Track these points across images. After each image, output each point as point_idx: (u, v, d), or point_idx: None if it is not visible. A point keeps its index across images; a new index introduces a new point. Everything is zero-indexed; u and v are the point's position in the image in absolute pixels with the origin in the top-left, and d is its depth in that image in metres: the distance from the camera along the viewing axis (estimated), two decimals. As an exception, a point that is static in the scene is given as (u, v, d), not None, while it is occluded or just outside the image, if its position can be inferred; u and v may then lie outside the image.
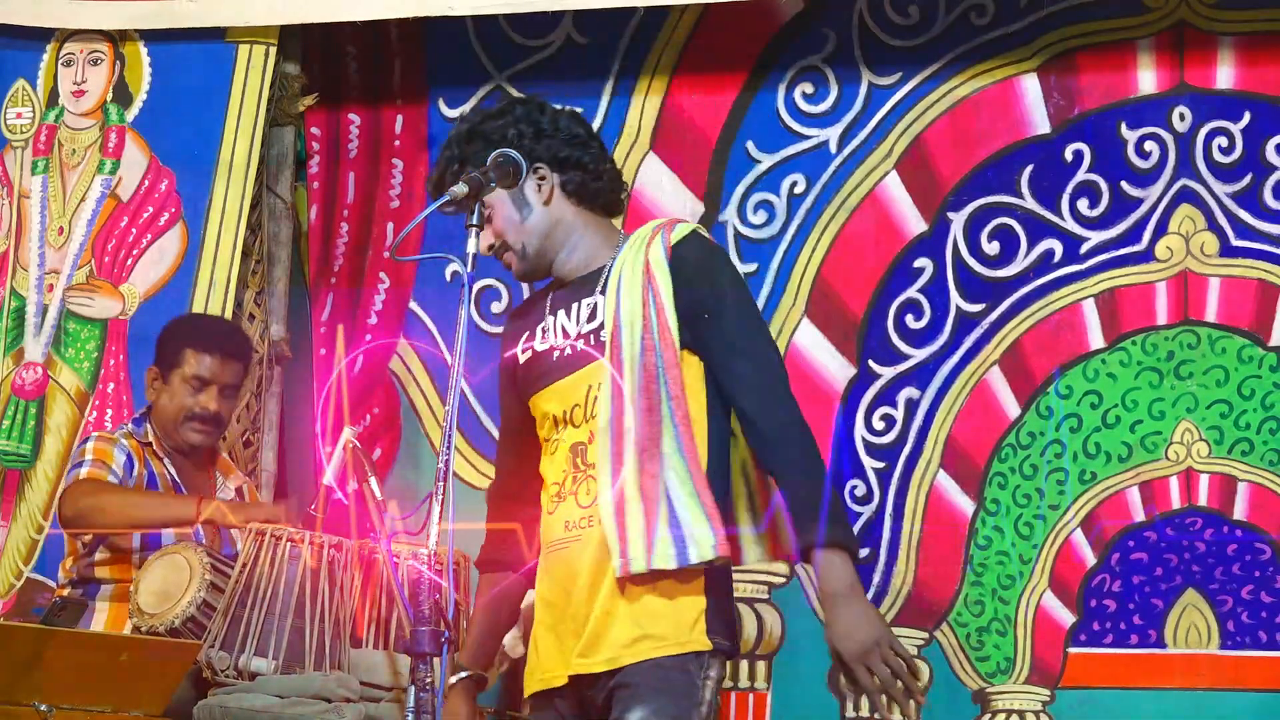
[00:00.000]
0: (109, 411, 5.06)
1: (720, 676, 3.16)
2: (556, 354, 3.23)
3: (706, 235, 3.25)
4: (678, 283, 3.15)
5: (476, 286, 5.24)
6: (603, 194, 3.29)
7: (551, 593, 3.22)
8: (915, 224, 5.07)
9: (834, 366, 5.06)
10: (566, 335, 3.23)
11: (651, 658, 3.09)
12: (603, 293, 3.21)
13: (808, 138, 5.17)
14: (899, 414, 5.02)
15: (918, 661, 4.93)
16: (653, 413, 3.11)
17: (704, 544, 3.09)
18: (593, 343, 3.19)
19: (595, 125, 5.26)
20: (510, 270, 3.31)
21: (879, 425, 5.04)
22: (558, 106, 3.35)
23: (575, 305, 3.25)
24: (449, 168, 3.29)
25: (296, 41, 5.38)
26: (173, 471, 4.55)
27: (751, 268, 5.14)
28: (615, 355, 3.13)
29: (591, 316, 3.21)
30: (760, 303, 5.10)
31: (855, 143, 5.13)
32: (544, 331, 3.27)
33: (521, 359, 3.30)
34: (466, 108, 5.42)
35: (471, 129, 3.29)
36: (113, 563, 4.49)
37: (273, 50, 5.28)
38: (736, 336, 3.16)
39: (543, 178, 3.25)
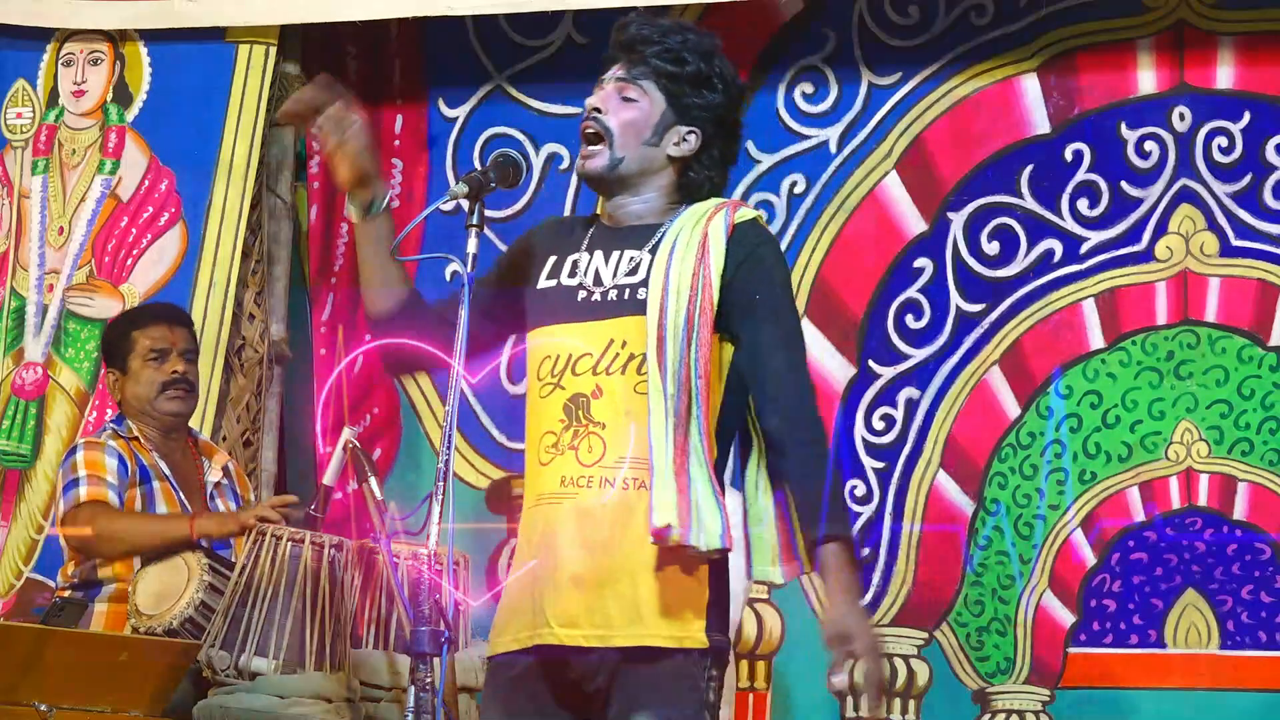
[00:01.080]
0: (109, 412, 5.05)
1: (723, 674, 3.10)
2: (582, 295, 3.12)
3: (766, 226, 3.17)
4: (730, 263, 3.07)
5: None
6: (701, 190, 3.19)
7: (534, 550, 3.08)
8: (915, 224, 5.07)
9: (834, 366, 5.06)
10: (599, 281, 3.13)
11: (646, 646, 3.00)
12: (651, 252, 3.11)
13: (808, 138, 5.17)
14: (899, 414, 5.02)
15: (917, 662, 4.94)
16: (684, 389, 3.08)
17: (713, 533, 3.04)
18: (627, 297, 3.09)
19: (595, 125, 5.27)
20: (584, 161, 3.14)
21: (879, 425, 5.04)
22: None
23: (617, 254, 3.13)
24: (665, 40, 3.18)
25: (296, 41, 5.38)
26: (163, 465, 4.54)
27: (751, 268, 5.13)
28: (660, 322, 3.05)
29: (632, 271, 3.11)
30: (760, 303, 5.11)
31: (855, 143, 5.13)
32: (575, 265, 3.16)
33: (542, 284, 3.19)
34: (466, 108, 5.42)
35: (720, 60, 3.16)
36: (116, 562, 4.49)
37: (273, 50, 5.28)
38: (779, 345, 3.07)
39: (688, 141, 3.15)
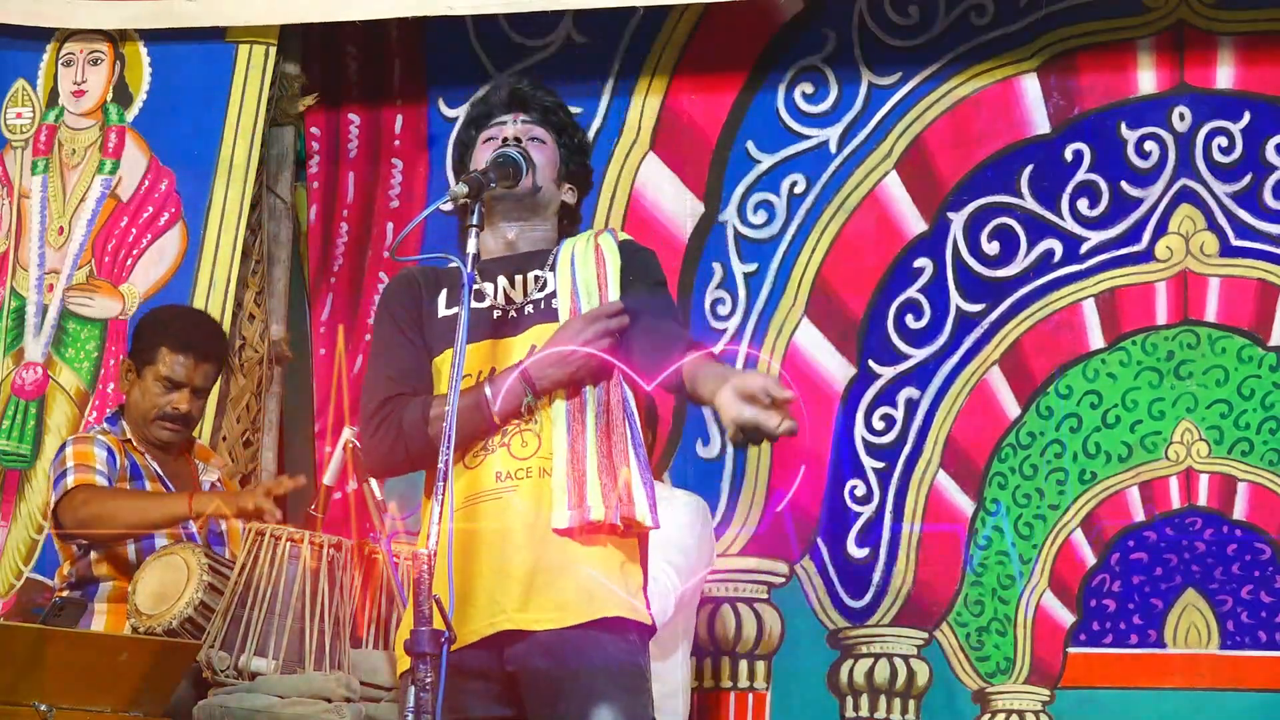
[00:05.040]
0: (109, 411, 5.06)
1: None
2: (497, 314, 3.32)
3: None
4: (623, 267, 3.35)
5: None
6: (570, 232, 3.52)
7: (476, 546, 3.17)
8: (915, 224, 5.07)
9: (834, 366, 5.07)
10: (510, 300, 3.34)
11: (602, 618, 3.11)
12: (552, 269, 3.35)
13: (808, 138, 5.17)
14: (899, 414, 5.03)
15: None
16: (609, 378, 3.25)
17: (642, 512, 3.19)
18: (543, 308, 3.31)
19: (595, 125, 5.28)
20: (493, 200, 3.34)
21: (879, 425, 5.04)
22: None
23: (519, 276, 3.37)
24: (554, 107, 3.53)
25: (296, 41, 5.38)
26: (155, 464, 4.56)
27: (751, 268, 5.14)
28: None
29: (541, 287, 3.34)
30: (760, 303, 5.11)
31: (855, 143, 5.13)
32: (478, 292, 3.34)
33: (443, 313, 3.36)
34: (467, 107, 5.42)
35: (574, 125, 3.55)
36: (110, 561, 4.49)
37: (273, 50, 5.29)
38: (655, 315, 3.30)
39: (571, 192, 3.51)
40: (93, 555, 4.49)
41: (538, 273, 3.36)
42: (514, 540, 3.14)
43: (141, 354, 4.59)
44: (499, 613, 3.13)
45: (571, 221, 3.52)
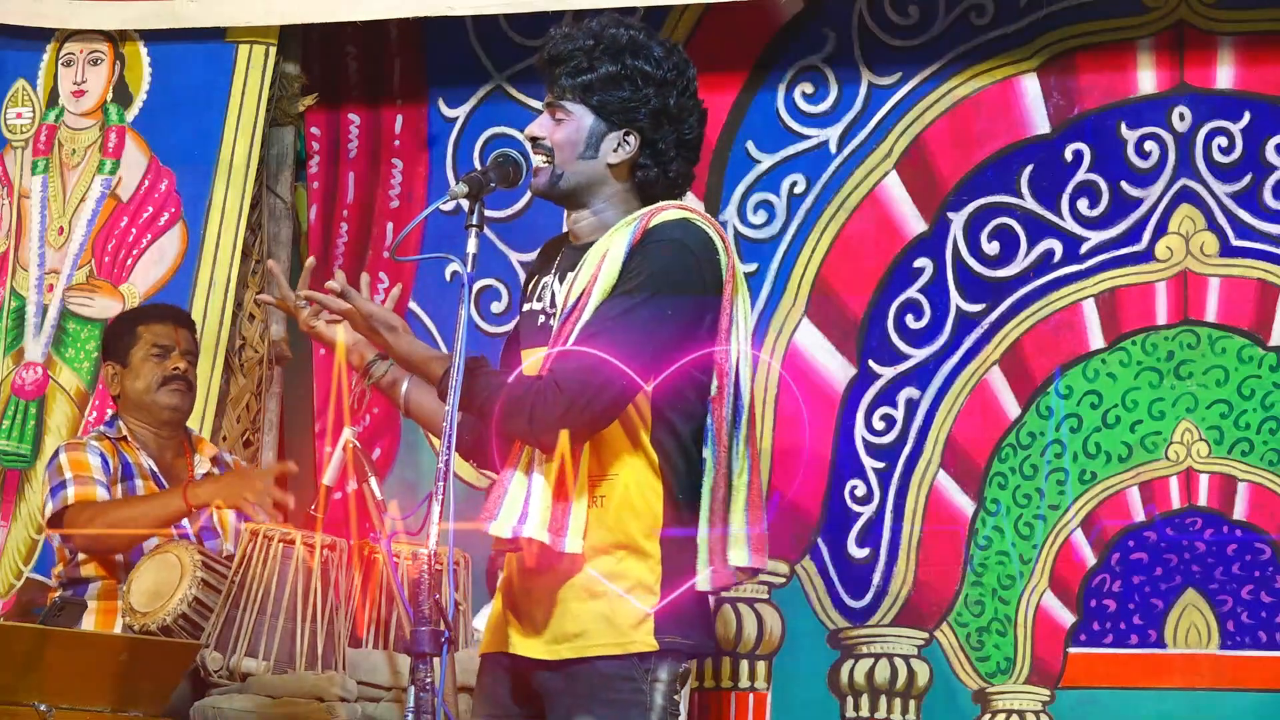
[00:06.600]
0: (109, 412, 5.06)
1: (674, 677, 3.06)
2: (541, 319, 3.18)
3: (695, 225, 3.10)
4: (623, 267, 3.06)
5: (476, 286, 5.24)
6: (659, 192, 3.18)
7: (508, 565, 3.21)
8: (915, 224, 5.07)
9: (834, 366, 5.07)
10: (554, 303, 3.15)
11: (586, 657, 3.06)
12: (577, 271, 3.13)
13: (808, 138, 5.17)
14: (899, 414, 5.02)
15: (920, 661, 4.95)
16: None
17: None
18: (543, 325, 3.16)
19: (595, 125, 5.27)
20: (534, 179, 3.16)
21: (879, 425, 5.04)
22: (699, 99, 3.20)
23: (571, 274, 3.13)
24: (575, 52, 3.19)
25: (296, 41, 5.38)
26: (149, 463, 4.58)
27: (751, 268, 5.13)
28: (552, 343, 3.09)
29: (554, 298, 3.17)
30: (760, 303, 5.10)
31: (855, 143, 5.13)
32: (538, 288, 3.22)
33: (522, 308, 3.25)
34: (466, 108, 5.43)
35: (632, 53, 3.15)
36: (98, 560, 4.51)
37: (273, 50, 5.29)
38: (602, 321, 3.04)
39: (627, 144, 3.15)
40: (80, 556, 4.51)
41: (562, 276, 3.14)
42: (522, 569, 3.14)
43: (120, 344, 4.69)
44: (507, 637, 3.16)
45: (649, 175, 3.14)
